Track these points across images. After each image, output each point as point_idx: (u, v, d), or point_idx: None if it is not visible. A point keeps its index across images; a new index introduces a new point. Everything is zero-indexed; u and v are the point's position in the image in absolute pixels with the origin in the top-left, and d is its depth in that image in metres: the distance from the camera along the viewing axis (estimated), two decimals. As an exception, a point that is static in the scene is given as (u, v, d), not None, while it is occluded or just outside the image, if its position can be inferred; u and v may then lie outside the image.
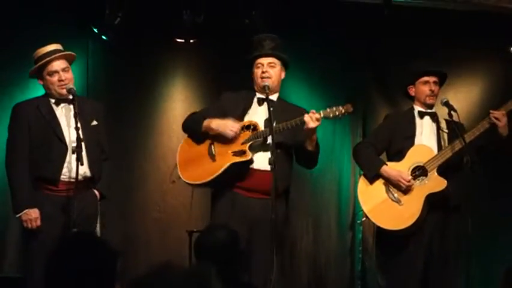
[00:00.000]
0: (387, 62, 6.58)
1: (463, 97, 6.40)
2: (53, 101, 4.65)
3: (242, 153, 4.65)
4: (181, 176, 4.78)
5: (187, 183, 4.83)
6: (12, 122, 4.67)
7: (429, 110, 5.01)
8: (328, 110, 4.66)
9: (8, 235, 5.79)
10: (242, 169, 4.66)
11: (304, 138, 4.69)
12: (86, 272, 2.36)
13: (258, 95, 4.81)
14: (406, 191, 4.86)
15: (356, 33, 6.41)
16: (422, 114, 5.01)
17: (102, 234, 4.75)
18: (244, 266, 3.46)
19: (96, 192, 4.70)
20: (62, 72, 4.60)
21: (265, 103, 4.64)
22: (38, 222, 4.51)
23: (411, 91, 5.07)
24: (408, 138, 4.95)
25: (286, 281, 6.42)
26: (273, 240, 4.32)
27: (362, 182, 5.03)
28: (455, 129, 4.83)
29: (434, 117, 5.00)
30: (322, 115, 4.60)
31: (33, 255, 4.50)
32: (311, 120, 4.56)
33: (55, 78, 4.59)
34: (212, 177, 4.67)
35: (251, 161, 4.64)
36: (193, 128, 4.83)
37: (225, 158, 4.67)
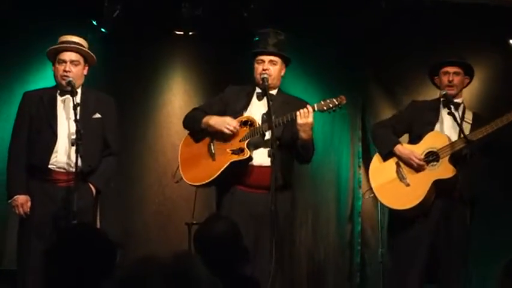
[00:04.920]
0: (386, 54, 6.58)
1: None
2: (58, 91, 4.68)
3: (240, 151, 4.66)
4: (183, 177, 4.80)
5: (191, 184, 4.84)
6: (18, 109, 4.75)
7: (454, 100, 5.05)
8: (322, 102, 4.65)
9: (7, 228, 5.80)
10: (242, 167, 4.67)
11: (298, 134, 4.66)
12: (85, 264, 2.37)
13: (258, 90, 4.81)
14: (416, 171, 4.90)
15: (355, 26, 6.40)
16: (446, 104, 5.05)
17: (101, 227, 4.76)
18: (246, 259, 3.45)
19: (91, 185, 4.70)
20: (70, 64, 4.62)
21: (265, 97, 4.65)
22: (26, 209, 4.56)
23: (437, 81, 5.14)
24: (429, 125, 5.02)
25: (285, 273, 6.43)
26: (273, 232, 4.34)
27: (376, 159, 5.11)
28: (477, 121, 4.87)
29: (458, 107, 5.04)
30: (316, 108, 4.61)
31: (20, 241, 4.62)
32: (299, 116, 4.54)
33: (61, 67, 4.62)
34: (212, 178, 4.68)
35: (250, 159, 4.65)
36: (193, 125, 4.85)
37: (224, 157, 4.68)
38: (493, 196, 6.08)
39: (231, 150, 4.69)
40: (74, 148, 4.39)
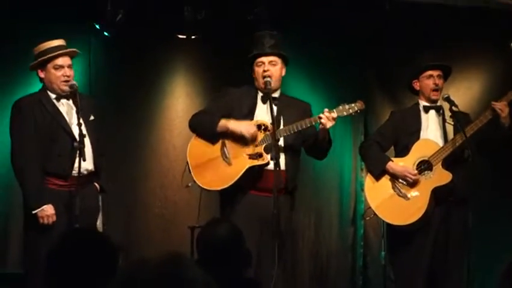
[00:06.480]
0: (389, 58, 6.58)
1: (464, 93, 6.40)
2: (53, 96, 4.67)
3: (259, 156, 4.64)
4: (198, 183, 4.73)
5: (204, 189, 4.79)
6: (16, 117, 4.64)
7: (434, 104, 5.03)
8: (341, 107, 4.69)
9: (10, 232, 5.80)
10: (258, 171, 4.66)
11: (319, 136, 4.72)
12: (87, 268, 2.38)
13: (261, 93, 4.81)
14: (413, 185, 4.89)
15: (358, 29, 6.41)
16: (427, 109, 5.03)
17: (104, 230, 4.77)
18: (248, 262, 3.46)
19: (96, 185, 4.73)
20: (67, 69, 4.62)
21: (269, 100, 4.67)
22: (54, 218, 4.51)
23: (416, 85, 5.08)
24: (414, 133, 4.99)
25: (288, 276, 6.43)
26: (276, 235, 4.36)
27: (369, 179, 5.07)
28: (458, 122, 4.84)
29: (439, 111, 5.02)
30: (336, 114, 4.63)
31: (41, 250, 4.45)
32: (328, 120, 4.59)
33: (60, 73, 4.62)
34: (231, 182, 4.65)
35: (268, 164, 4.64)
36: (207, 128, 4.74)
37: (242, 162, 4.66)
38: (492, 196, 6.10)
39: (247, 154, 4.66)
40: (78, 152, 4.42)
